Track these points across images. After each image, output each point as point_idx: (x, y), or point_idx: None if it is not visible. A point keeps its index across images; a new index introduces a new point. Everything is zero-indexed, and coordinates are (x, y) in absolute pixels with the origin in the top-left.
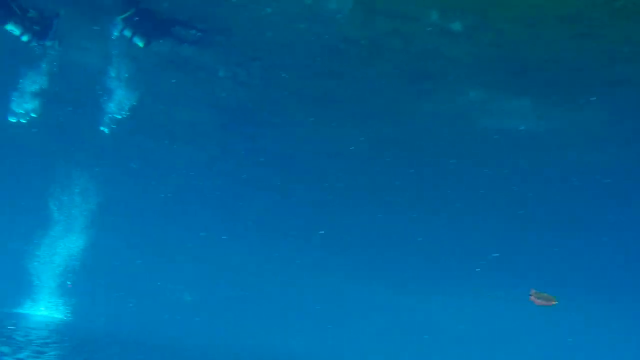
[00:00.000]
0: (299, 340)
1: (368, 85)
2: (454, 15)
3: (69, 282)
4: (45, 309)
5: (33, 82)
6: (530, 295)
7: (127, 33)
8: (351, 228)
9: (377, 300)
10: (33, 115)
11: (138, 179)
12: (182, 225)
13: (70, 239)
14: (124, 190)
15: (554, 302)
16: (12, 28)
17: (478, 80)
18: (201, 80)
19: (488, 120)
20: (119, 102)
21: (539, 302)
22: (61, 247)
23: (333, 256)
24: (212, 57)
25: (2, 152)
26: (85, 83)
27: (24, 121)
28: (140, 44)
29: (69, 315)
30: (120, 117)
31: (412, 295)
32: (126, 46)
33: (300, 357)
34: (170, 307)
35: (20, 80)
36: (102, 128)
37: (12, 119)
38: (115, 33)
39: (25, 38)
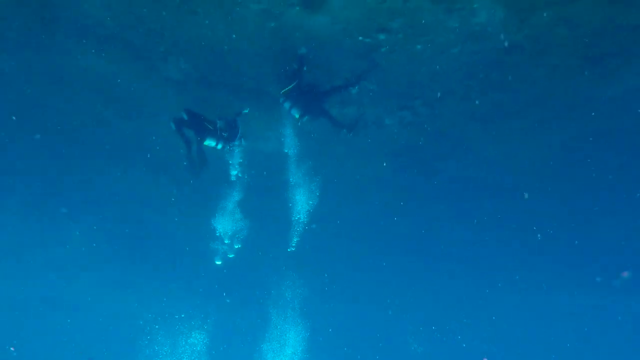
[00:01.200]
0: None
1: (541, 85)
2: None
3: (12, 348)
4: None
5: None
6: None
7: (287, 105)
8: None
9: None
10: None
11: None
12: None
13: None
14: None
15: None
16: (209, 142)
17: None
18: (370, 134)
19: None
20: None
21: None
22: None
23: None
24: (375, 108)
25: None
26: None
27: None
28: (296, 115)
29: None
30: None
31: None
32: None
33: None
34: None
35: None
36: None
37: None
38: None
39: (219, 146)
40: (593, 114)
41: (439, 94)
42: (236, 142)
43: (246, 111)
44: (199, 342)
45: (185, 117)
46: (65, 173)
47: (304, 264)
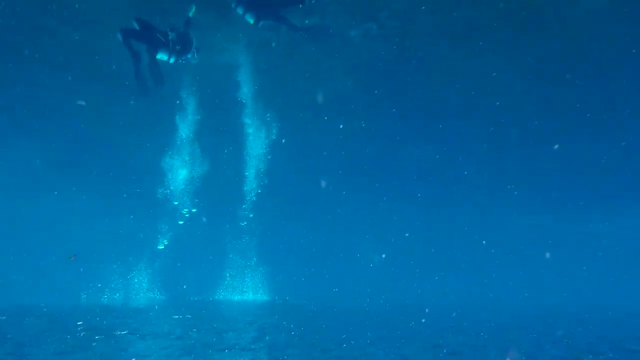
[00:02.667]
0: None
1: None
2: None
3: (72, 256)
4: (249, 294)
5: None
6: None
7: (240, 10)
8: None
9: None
10: None
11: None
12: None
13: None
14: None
15: None
16: (162, 55)
17: None
18: (336, 48)
19: None
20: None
21: None
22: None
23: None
24: (338, 20)
25: None
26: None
27: None
28: (251, 21)
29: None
30: None
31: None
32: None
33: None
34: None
35: None
36: None
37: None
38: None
39: (172, 60)
40: (566, 29)
41: (406, 5)
42: (189, 56)
43: (191, 13)
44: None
45: (136, 26)
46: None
47: (270, 189)
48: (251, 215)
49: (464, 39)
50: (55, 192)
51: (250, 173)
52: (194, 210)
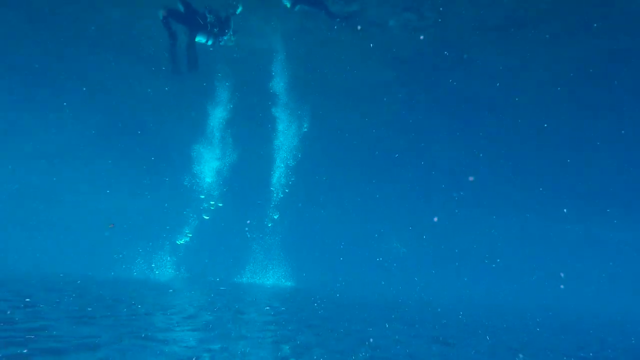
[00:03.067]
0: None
1: None
2: None
3: (111, 224)
4: (273, 278)
5: None
6: None
7: None
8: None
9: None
10: None
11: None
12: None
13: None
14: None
15: None
16: (201, 38)
17: None
18: (374, 38)
19: None
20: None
21: None
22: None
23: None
24: (378, 9)
25: None
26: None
27: None
28: (287, 4)
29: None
30: None
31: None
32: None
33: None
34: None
35: None
36: None
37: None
38: None
39: (210, 42)
40: (613, 27)
41: None
42: (225, 38)
43: (239, 11)
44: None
45: (181, 8)
46: (54, 62)
47: (299, 172)
48: (276, 217)
49: (504, 34)
50: (94, 165)
51: (280, 167)
52: (220, 205)
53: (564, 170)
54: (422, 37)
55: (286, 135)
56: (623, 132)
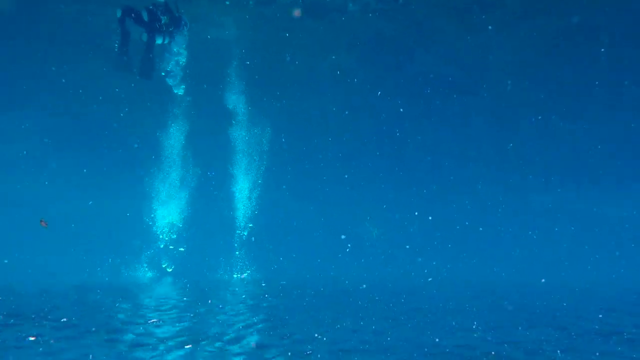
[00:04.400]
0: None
1: None
2: None
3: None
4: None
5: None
6: None
7: None
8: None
9: None
10: None
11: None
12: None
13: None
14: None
15: None
16: (159, 40)
17: None
18: (334, 20)
19: None
20: None
21: None
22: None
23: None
24: None
25: None
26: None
27: None
28: None
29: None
30: None
31: None
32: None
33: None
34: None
35: None
36: None
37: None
38: None
39: (166, 41)
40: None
41: None
42: (185, 32)
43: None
44: None
45: (145, 18)
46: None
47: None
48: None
49: (465, 14)
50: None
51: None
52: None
53: (529, 145)
54: (381, 19)
55: (252, 135)
56: (583, 106)
